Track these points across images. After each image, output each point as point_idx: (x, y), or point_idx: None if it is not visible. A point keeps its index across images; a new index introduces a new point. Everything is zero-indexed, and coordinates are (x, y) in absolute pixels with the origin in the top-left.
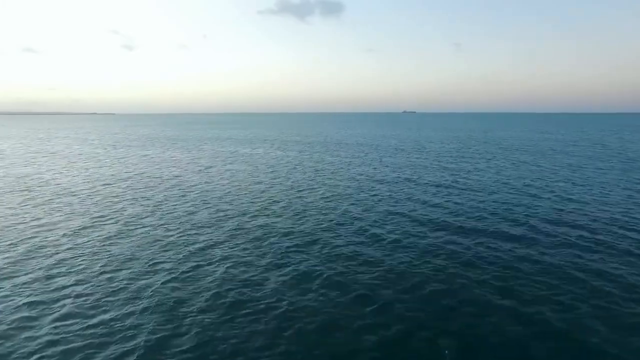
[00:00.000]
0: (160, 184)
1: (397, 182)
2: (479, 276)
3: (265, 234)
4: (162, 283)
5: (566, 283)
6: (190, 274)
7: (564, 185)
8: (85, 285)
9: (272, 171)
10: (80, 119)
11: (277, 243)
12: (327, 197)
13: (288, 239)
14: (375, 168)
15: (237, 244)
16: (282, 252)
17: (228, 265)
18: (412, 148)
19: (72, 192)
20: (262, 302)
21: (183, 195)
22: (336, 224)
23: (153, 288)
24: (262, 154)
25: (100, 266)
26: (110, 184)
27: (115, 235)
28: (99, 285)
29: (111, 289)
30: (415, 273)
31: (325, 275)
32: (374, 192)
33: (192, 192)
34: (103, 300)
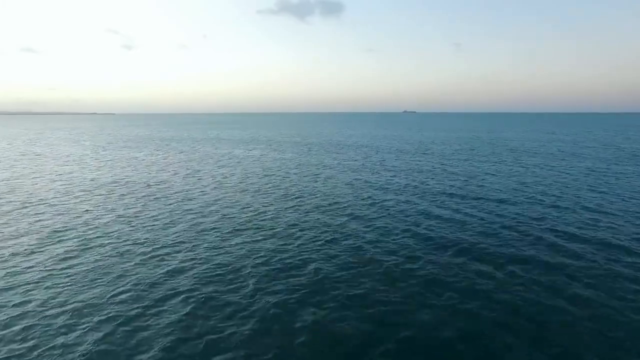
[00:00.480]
0: (143, 189)
1: (400, 190)
2: (511, 320)
3: (249, 254)
4: (114, 325)
5: (627, 332)
6: (151, 312)
7: (585, 194)
8: (18, 327)
9: (265, 175)
10: (80, 119)
11: (261, 266)
12: (323, 208)
13: (274, 262)
14: (376, 173)
15: (214, 267)
16: (266, 281)
17: (200, 300)
18: (415, 150)
19: (44, 200)
20: (234, 357)
21: (165, 205)
22: (331, 242)
23: (102, 333)
24: (258, 156)
25: (47, 298)
26: (89, 191)
27: (75, 256)
28: (37, 325)
29: (50, 332)
30: (429, 313)
31: (316, 315)
32: (375, 202)
33: (176, 200)
34: (36, 350)
